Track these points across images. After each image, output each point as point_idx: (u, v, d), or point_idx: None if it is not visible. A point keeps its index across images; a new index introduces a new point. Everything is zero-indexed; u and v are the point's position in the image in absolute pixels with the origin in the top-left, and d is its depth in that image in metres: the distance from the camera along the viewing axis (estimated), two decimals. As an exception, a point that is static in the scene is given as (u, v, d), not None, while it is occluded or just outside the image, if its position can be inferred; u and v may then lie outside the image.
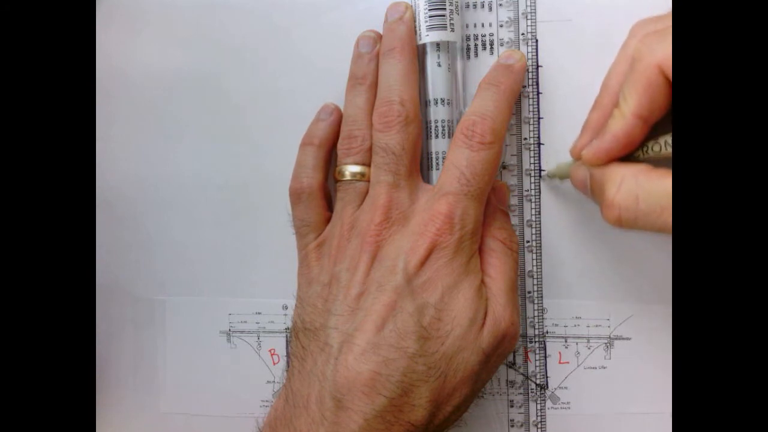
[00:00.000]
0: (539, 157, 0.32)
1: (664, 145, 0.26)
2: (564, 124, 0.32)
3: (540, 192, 0.32)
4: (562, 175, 0.31)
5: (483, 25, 0.32)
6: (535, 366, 0.33)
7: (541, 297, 0.33)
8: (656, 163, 0.26)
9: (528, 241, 0.33)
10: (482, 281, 0.29)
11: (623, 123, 0.26)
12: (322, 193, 0.32)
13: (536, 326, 0.33)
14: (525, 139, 0.32)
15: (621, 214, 0.25)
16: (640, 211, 0.25)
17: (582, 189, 0.29)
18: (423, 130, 0.31)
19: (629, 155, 0.27)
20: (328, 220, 0.32)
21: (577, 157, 0.29)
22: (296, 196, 0.32)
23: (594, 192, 0.27)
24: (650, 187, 0.25)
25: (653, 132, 0.26)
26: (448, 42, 0.31)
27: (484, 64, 0.32)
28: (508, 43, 0.32)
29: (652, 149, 0.26)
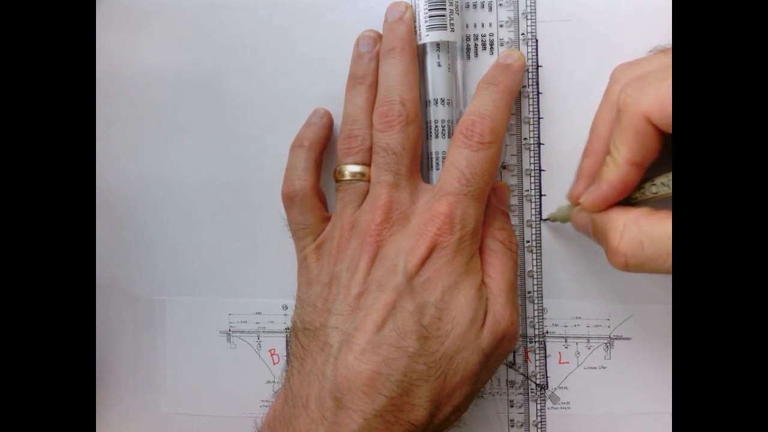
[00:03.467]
0: (539, 157, 0.32)
1: (660, 185, 0.26)
2: (564, 124, 0.32)
3: (540, 191, 0.32)
4: (563, 219, 0.31)
5: (483, 25, 0.32)
6: (535, 366, 0.33)
7: (541, 297, 0.33)
8: (655, 203, 0.26)
9: (528, 241, 0.33)
10: (482, 281, 0.29)
11: (617, 171, 0.26)
12: (316, 194, 0.32)
13: (536, 326, 0.33)
14: (525, 139, 0.32)
15: (628, 261, 0.25)
16: (647, 257, 0.25)
17: (584, 233, 0.29)
18: (423, 130, 0.31)
19: (627, 198, 0.27)
20: (325, 220, 0.32)
21: (575, 203, 0.29)
22: (289, 199, 0.32)
23: (597, 237, 0.28)
24: (653, 233, 0.25)
25: (648, 173, 0.26)
26: (448, 42, 0.31)
27: (484, 64, 0.32)
28: (508, 43, 0.32)
29: (649, 190, 0.26)
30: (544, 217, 0.32)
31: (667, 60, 0.25)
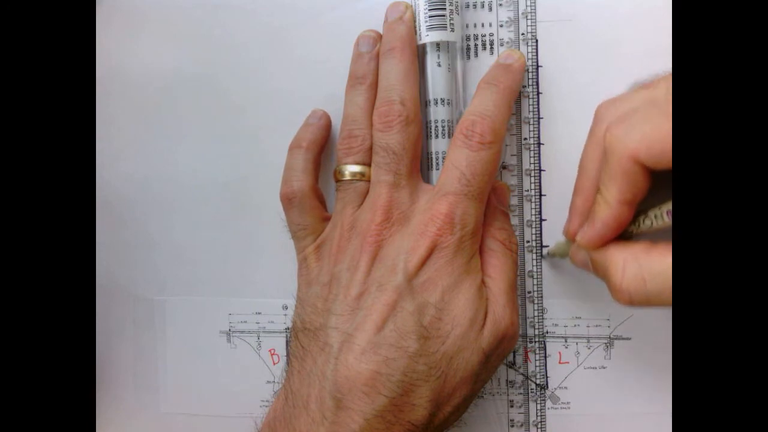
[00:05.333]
0: (539, 157, 0.32)
1: (654, 218, 0.26)
2: (564, 124, 0.32)
3: (540, 191, 0.32)
4: (561, 254, 0.31)
5: (483, 25, 0.32)
6: (535, 366, 0.33)
7: (541, 297, 0.33)
8: (650, 236, 0.26)
9: (528, 241, 0.33)
10: (482, 281, 0.29)
11: (609, 210, 0.26)
12: (315, 194, 0.32)
13: (536, 326, 0.33)
14: (525, 139, 0.32)
15: (632, 297, 0.25)
16: (650, 293, 0.25)
17: (584, 268, 0.29)
18: (423, 130, 0.31)
19: (622, 232, 0.27)
20: (324, 220, 0.32)
21: (571, 239, 0.29)
22: (288, 200, 0.32)
23: (598, 273, 0.28)
24: (654, 268, 0.24)
25: (640, 206, 0.26)
26: (448, 42, 0.31)
27: (484, 64, 0.32)
28: (508, 43, 0.32)
29: (643, 223, 0.26)
30: (543, 253, 0.32)
31: (649, 96, 0.25)
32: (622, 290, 0.25)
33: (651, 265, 0.25)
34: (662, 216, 0.26)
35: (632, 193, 0.25)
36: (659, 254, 0.25)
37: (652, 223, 0.26)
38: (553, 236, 0.32)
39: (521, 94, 0.32)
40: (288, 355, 0.34)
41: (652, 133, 0.24)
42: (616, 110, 0.27)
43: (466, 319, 0.27)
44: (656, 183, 0.25)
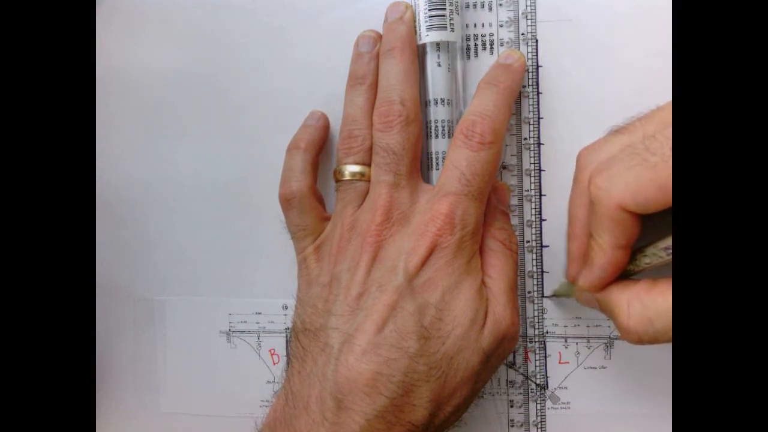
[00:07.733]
0: (539, 157, 0.32)
1: (652, 255, 0.26)
2: (564, 124, 0.32)
3: (540, 191, 0.32)
4: (566, 294, 0.31)
5: (483, 25, 0.32)
6: (535, 366, 0.33)
7: (541, 297, 0.33)
8: (650, 272, 0.26)
9: (528, 241, 0.33)
10: (482, 281, 0.29)
11: (605, 256, 0.26)
12: (314, 195, 0.32)
13: (536, 326, 0.33)
14: (525, 139, 0.32)
15: (641, 337, 0.25)
16: (658, 332, 0.25)
17: (591, 307, 0.29)
18: (423, 130, 0.31)
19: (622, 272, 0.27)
20: (323, 221, 0.32)
21: (573, 283, 0.29)
22: (287, 201, 0.32)
23: (605, 313, 0.28)
24: (658, 307, 0.25)
25: (637, 244, 0.26)
26: (448, 42, 0.31)
27: (484, 64, 0.32)
28: (508, 43, 0.32)
29: (642, 261, 0.27)
30: (548, 293, 0.33)
31: (627, 141, 0.25)
32: (630, 331, 0.25)
33: (655, 304, 0.25)
34: (659, 253, 0.26)
35: (625, 238, 0.25)
36: (661, 293, 0.25)
37: (650, 260, 0.26)
38: (554, 236, 0.32)
39: (521, 94, 0.32)
40: (288, 355, 0.34)
41: (635, 182, 0.24)
42: (597, 157, 0.27)
43: (466, 319, 0.27)
44: (649, 222, 0.25)
